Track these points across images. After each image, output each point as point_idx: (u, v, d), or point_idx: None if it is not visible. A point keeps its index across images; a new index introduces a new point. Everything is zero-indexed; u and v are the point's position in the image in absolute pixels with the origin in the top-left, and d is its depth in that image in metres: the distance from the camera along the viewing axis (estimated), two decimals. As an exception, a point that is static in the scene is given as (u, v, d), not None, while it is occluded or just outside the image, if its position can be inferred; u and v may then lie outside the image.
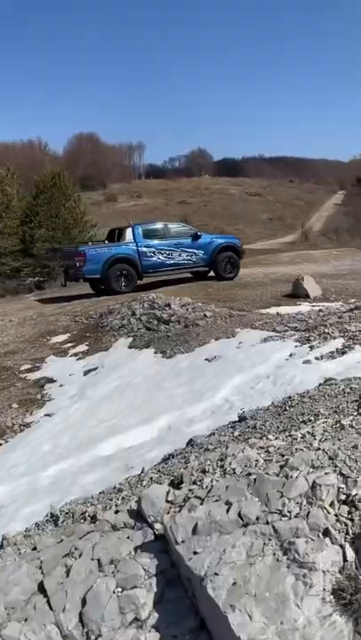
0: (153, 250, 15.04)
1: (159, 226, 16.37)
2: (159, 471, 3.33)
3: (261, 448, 2.44)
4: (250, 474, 2.14)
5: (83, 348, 11.79)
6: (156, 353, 10.29)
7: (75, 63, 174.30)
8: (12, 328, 13.21)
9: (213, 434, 3.95)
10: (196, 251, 15.63)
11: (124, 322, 12.74)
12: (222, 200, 62.02)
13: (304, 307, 12.01)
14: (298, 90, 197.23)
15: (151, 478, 3.23)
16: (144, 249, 14.93)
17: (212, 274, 16.51)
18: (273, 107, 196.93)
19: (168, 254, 15.27)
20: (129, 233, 15.10)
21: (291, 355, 7.61)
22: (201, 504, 2.05)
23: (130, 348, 11.17)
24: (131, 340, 11.75)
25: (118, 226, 16.74)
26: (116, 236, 15.88)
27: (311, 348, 7.55)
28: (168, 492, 2.24)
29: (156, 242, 15.16)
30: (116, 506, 2.94)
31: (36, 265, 28.78)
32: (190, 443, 3.96)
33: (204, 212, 54.96)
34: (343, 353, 6.88)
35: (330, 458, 2.04)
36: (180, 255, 15.38)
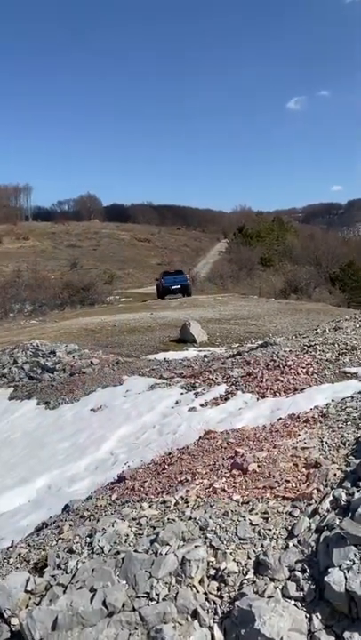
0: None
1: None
2: (29, 545, 3.03)
3: (133, 520, 2.30)
4: (118, 552, 1.99)
5: None
6: (38, 404, 9.76)
7: None
8: None
9: (91, 497, 3.72)
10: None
11: (5, 371, 12.03)
12: (112, 244, 62.56)
13: (191, 352, 12.24)
14: (186, 147, 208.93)
15: (19, 554, 2.91)
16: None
17: None
18: (162, 160, 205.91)
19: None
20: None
21: (177, 402, 7.61)
22: (64, 592, 1.85)
23: (10, 399, 10.50)
24: (12, 390, 11.07)
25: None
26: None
27: (196, 394, 7.63)
28: (28, 581, 2.00)
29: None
30: (-23, 593, 2.59)
31: None
32: (66, 508, 3.70)
33: (94, 255, 54.94)
34: (226, 399, 7.02)
35: (200, 528, 1.97)
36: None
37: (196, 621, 1.67)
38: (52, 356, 11.95)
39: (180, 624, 1.65)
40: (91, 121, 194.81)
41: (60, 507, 4.26)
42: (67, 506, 3.78)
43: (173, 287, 29.23)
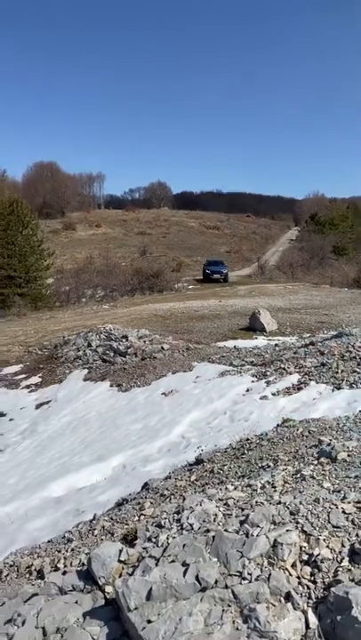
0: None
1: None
2: (112, 519, 3.15)
3: (220, 500, 2.33)
4: (208, 530, 2.03)
5: (35, 379, 11.44)
6: (111, 386, 10.06)
7: (37, 91, 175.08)
8: None
9: (170, 477, 3.80)
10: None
11: (80, 353, 12.46)
12: (181, 232, 62.81)
13: (261, 340, 12.13)
14: (256, 130, 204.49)
15: (103, 527, 3.04)
16: None
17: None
18: (231, 146, 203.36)
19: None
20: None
21: (248, 390, 7.59)
22: (156, 565, 1.91)
23: (85, 380, 10.89)
24: (86, 372, 11.47)
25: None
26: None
27: (268, 383, 7.56)
28: (121, 551, 2.09)
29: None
30: (65, 559, 2.74)
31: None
32: (145, 486, 3.80)
33: (163, 242, 55.44)
34: (299, 389, 6.92)
35: (291, 513, 1.96)
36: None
37: (289, 604, 1.67)
38: (124, 340, 12.25)
39: (274, 605, 1.66)
40: (162, 111, 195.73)
41: (136, 485, 4.40)
42: (145, 484, 3.88)
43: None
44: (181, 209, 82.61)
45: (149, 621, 1.70)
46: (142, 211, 77.05)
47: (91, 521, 3.45)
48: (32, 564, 2.85)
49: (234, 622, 1.63)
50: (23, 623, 1.89)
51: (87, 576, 2.11)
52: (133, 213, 72.26)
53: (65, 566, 2.62)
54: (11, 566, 3.01)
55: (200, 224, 69.11)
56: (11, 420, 8.96)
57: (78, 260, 39.45)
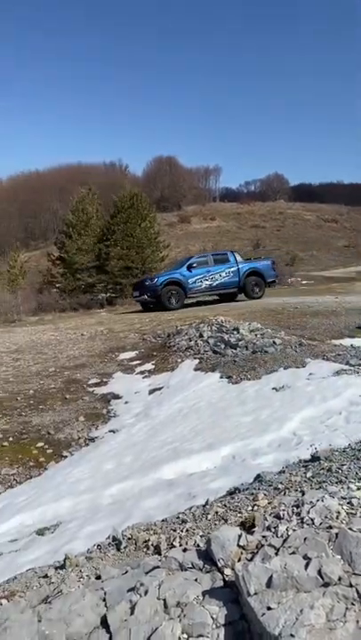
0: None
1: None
2: (225, 506, 3.21)
3: (343, 499, 2.27)
4: (331, 527, 1.99)
5: (149, 366, 11.88)
6: (221, 377, 10.15)
7: (159, 88, 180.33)
8: (82, 342, 13.60)
9: (284, 471, 3.77)
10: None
11: (192, 343, 12.72)
12: (296, 225, 61.30)
13: (380, 341, 11.46)
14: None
15: (217, 512, 3.11)
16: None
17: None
18: (352, 134, 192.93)
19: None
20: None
21: (365, 391, 7.24)
22: (276, 554, 1.92)
23: (195, 370, 11.10)
24: (197, 362, 11.68)
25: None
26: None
27: (388, 386, 7.15)
28: (240, 536, 2.12)
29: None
30: (180, 538, 2.84)
31: (109, 281, 29.64)
32: (258, 478, 3.81)
33: (277, 236, 54.52)
34: None
35: None
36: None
37: None
38: (235, 332, 12.27)
39: None
40: (281, 102, 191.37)
41: (247, 476, 4.42)
42: (258, 476, 3.89)
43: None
44: (298, 201, 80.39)
45: (269, 608, 1.72)
46: (257, 203, 76.36)
47: (203, 506, 3.54)
48: (149, 539, 3.00)
49: (358, 622, 1.59)
50: (146, 593, 2.00)
51: (206, 556, 2.17)
52: (248, 206, 71.90)
53: (180, 545, 2.72)
54: (129, 539, 3.19)
55: (317, 217, 66.89)
56: (126, 402, 9.42)
57: (192, 253, 40.16)
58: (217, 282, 19.07)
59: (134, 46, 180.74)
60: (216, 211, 69.63)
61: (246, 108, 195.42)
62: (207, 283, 18.92)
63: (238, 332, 12.18)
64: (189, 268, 18.83)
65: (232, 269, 19.22)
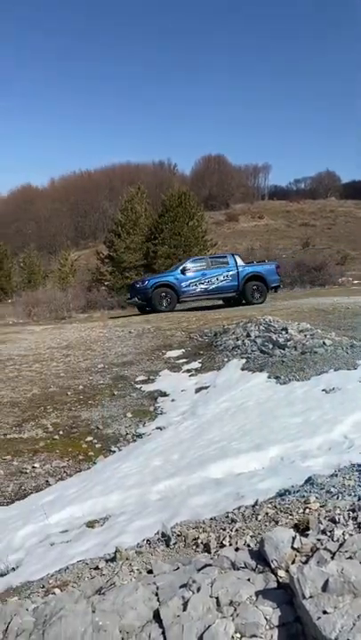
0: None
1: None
2: (275, 507, 3.17)
3: None
4: (390, 534, 1.93)
5: (196, 365, 11.89)
6: (269, 377, 10.03)
7: (209, 88, 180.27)
8: (130, 339, 13.77)
9: (336, 475, 3.69)
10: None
11: (239, 343, 12.63)
12: (348, 223, 59.81)
13: None
14: None
15: (267, 513, 3.08)
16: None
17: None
18: None
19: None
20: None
21: None
22: (332, 558, 1.88)
23: (242, 369, 11.02)
24: (244, 361, 11.59)
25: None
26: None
27: None
28: (294, 538, 2.09)
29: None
30: (230, 538, 2.84)
31: (157, 280, 29.83)
32: (309, 481, 3.74)
33: (328, 234, 53.38)
34: None
35: None
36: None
37: None
38: (283, 332, 12.10)
39: None
40: (332, 99, 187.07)
41: (297, 478, 4.35)
42: (309, 478, 3.83)
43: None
44: (350, 199, 78.33)
45: (325, 612, 1.69)
46: (307, 201, 75.03)
47: (253, 506, 3.52)
48: (198, 537, 3.01)
49: None
50: (198, 590, 2.01)
51: (259, 557, 2.16)
52: (298, 204, 70.75)
53: (230, 544, 2.71)
54: (178, 536, 3.21)
55: (370, 215, 65.00)
56: (172, 400, 9.47)
57: (239, 251, 39.94)
58: (213, 285, 18.36)
59: (181, 43, 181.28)
60: (265, 209, 68.88)
61: (298, 105, 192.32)
62: (203, 286, 18.27)
63: (287, 332, 12.00)
64: (183, 271, 18.36)
65: (231, 273, 18.48)
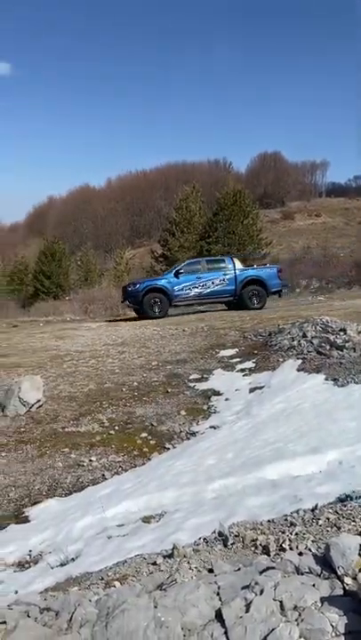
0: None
1: None
2: (337, 512, 3.09)
3: None
4: None
5: (250, 364, 11.78)
6: (326, 379, 9.78)
7: (264, 85, 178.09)
8: (184, 337, 13.82)
9: None
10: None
11: (294, 343, 12.39)
12: None
13: None
14: None
15: (328, 519, 3.00)
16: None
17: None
18: None
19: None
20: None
21: None
22: None
23: (298, 370, 10.80)
24: (300, 362, 11.37)
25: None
26: None
27: None
28: (362, 546, 2.03)
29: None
30: (290, 541, 2.79)
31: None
32: (372, 487, 3.63)
33: (388, 233, 51.49)
34: None
35: None
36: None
37: None
38: (341, 333, 11.77)
39: None
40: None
41: (357, 483, 4.23)
42: (372, 485, 3.71)
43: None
44: None
45: (396, 625, 1.62)
46: (367, 198, 72.51)
47: (312, 510, 3.44)
48: (257, 539, 2.97)
49: None
50: (261, 592, 1.98)
51: (324, 562, 2.11)
52: (357, 201, 68.54)
53: (290, 548, 2.67)
54: (235, 536, 3.19)
55: None
56: (226, 399, 9.42)
57: (295, 250, 39.31)
58: (208, 290, 17.58)
59: (234, 43, 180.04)
60: (322, 206, 67.26)
61: (355, 101, 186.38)
62: (197, 290, 17.50)
63: (345, 333, 11.67)
64: (177, 274, 17.59)
65: (227, 277, 17.61)
